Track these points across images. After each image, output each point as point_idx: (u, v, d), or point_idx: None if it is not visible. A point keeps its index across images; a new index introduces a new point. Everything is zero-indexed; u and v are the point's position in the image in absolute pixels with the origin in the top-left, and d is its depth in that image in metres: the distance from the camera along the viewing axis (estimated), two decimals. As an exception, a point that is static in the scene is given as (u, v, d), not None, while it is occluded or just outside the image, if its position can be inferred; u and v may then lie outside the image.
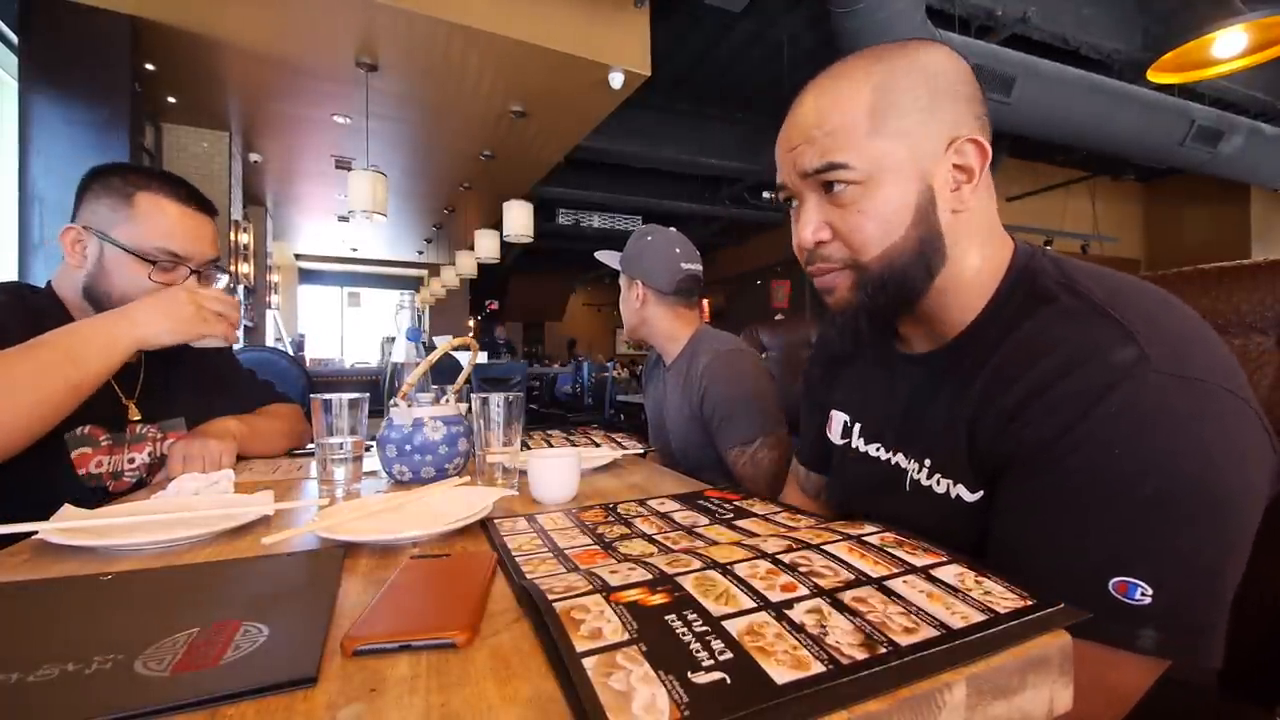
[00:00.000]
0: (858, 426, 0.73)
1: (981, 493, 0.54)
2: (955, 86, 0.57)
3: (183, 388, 1.10)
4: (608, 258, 1.45)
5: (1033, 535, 0.50)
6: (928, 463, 0.60)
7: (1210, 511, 0.45)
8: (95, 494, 0.92)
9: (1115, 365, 0.47)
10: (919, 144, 0.56)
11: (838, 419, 0.77)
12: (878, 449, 0.69)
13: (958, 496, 0.56)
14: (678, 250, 1.37)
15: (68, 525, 0.62)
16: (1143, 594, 0.45)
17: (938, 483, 0.58)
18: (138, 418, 1.01)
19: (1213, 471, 0.45)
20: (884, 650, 0.33)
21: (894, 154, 0.55)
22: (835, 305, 0.63)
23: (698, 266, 1.39)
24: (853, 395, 0.76)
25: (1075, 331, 0.50)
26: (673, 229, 1.43)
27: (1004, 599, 0.39)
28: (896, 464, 0.65)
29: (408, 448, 0.88)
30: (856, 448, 0.73)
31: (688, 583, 0.41)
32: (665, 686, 0.30)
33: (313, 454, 0.87)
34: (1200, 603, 0.46)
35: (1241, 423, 0.47)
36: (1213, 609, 0.46)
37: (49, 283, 1.00)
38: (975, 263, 0.59)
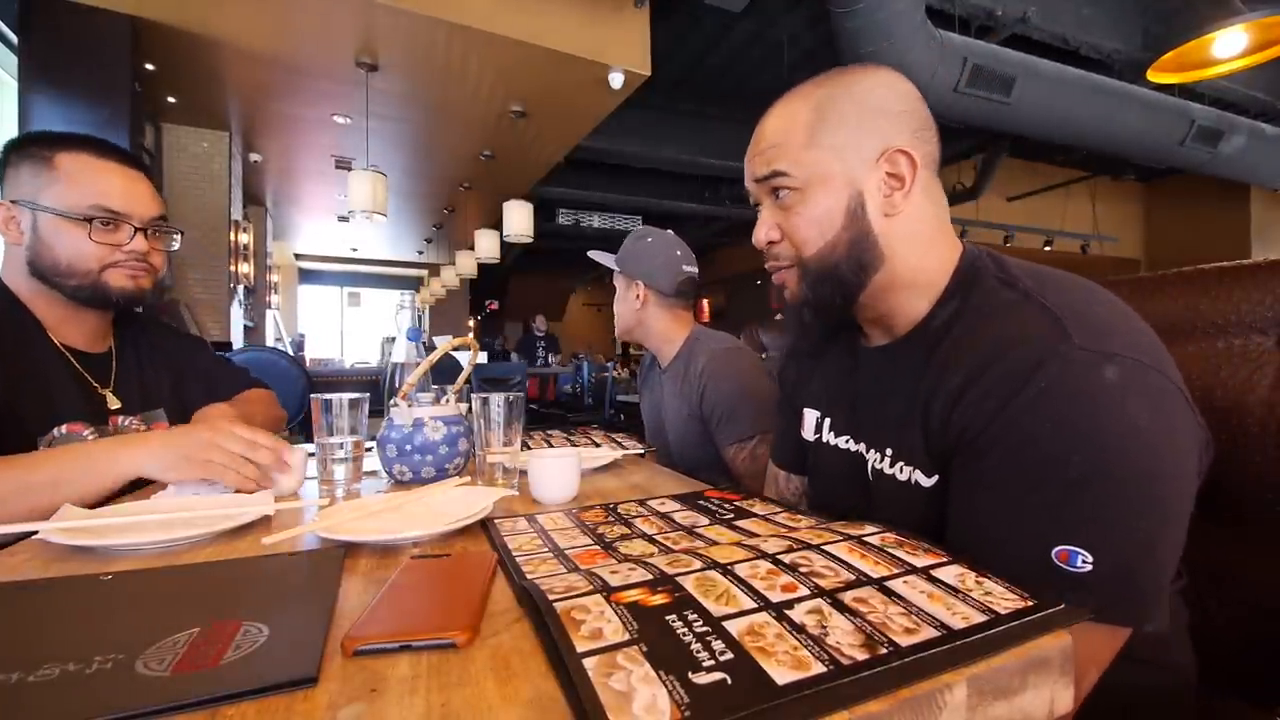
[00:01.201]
0: (827, 421, 0.76)
1: (937, 477, 0.58)
2: (887, 105, 0.63)
3: (158, 375, 1.08)
4: (602, 257, 1.45)
5: (980, 512, 0.53)
6: (889, 451, 0.64)
7: (1140, 479, 0.48)
8: None
9: (1041, 346, 0.50)
10: (849, 155, 0.62)
11: (810, 416, 0.80)
12: (846, 440, 0.72)
13: (916, 483, 0.60)
14: (678, 252, 1.38)
15: (68, 525, 0.62)
16: (1083, 561, 0.47)
17: (900, 470, 0.62)
18: (117, 406, 0.98)
19: (1138, 440, 0.48)
20: (885, 651, 0.33)
21: (825, 164, 0.63)
22: (789, 299, 0.70)
23: (695, 269, 1.41)
24: (822, 391, 0.79)
25: (1007, 319, 0.55)
26: (669, 231, 1.44)
27: (1004, 599, 0.39)
28: (863, 455, 0.69)
29: (408, 448, 0.88)
30: (828, 441, 0.76)
31: (688, 583, 0.41)
32: (666, 687, 0.30)
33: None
34: (1139, 567, 0.48)
35: (1164, 396, 0.49)
36: (1153, 574, 0.49)
37: None
38: (918, 263, 0.63)
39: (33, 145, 0.93)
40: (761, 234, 0.69)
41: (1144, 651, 0.59)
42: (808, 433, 0.80)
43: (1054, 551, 0.48)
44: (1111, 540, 0.47)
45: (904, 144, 0.62)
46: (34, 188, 0.91)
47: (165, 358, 1.11)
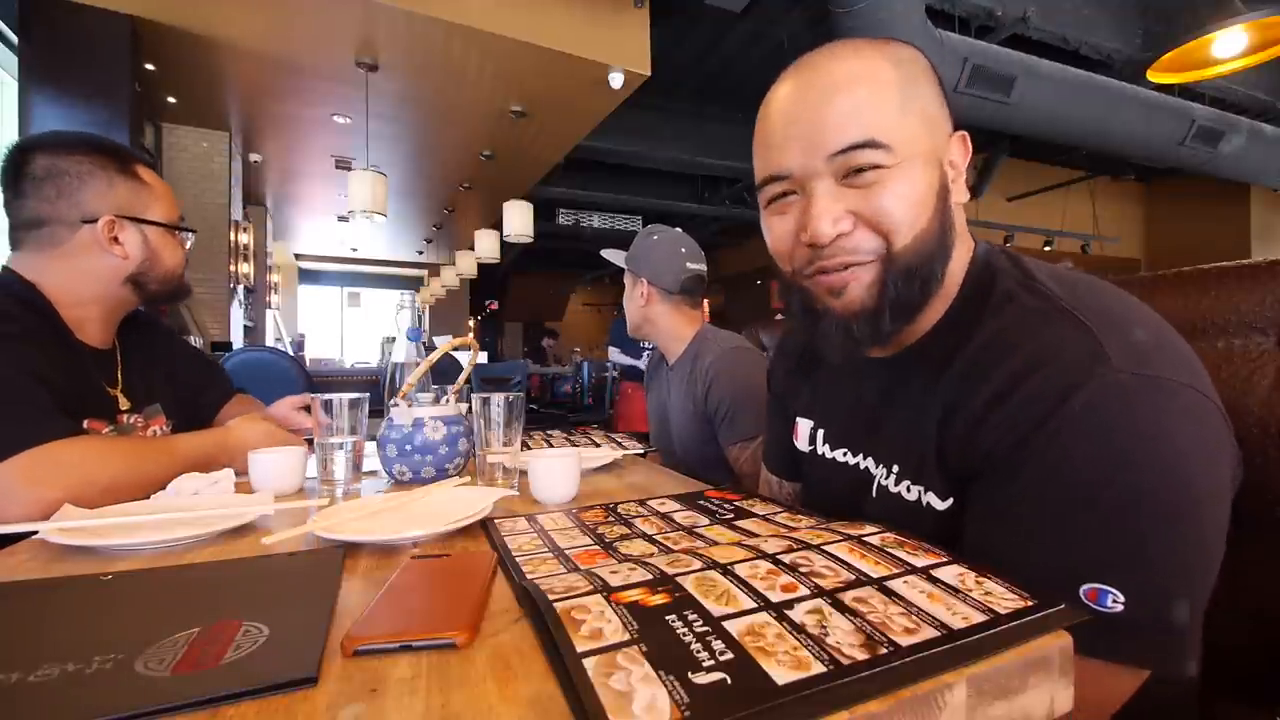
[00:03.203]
0: (821, 432, 0.72)
1: (952, 500, 0.53)
2: (936, 80, 0.57)
3: (155, 371, 1.09)
4: (614, 255, 1.46)
5: (1003, 543, 0.48)
6: (896, 469, 0.59)
7: (1181, 511, 0.44)
8: None
9: (1076, 366, 0.46)
10: (937, 128, 0.55)
11: (804, 426, 0.75)
12: (845, 454, 0.68)
13: (928, 504, 0.55)
14: (683, 250, 1.38)
15: (68, 525, 0.62)
16: (1114, 600, 0.43)
17: (907, 490, 0.57)
18: (127, 407, 0.99)
19: (1181, 470, 0.44)
20: (884, 651, 0.33)
21: (921, 136, 0.54)
22: (845, 308, 0.57)
23: (702, 266, 1.41)
24: (817, 401, 0.74)
25: (1036, 332, 0.49)
26: (678, 229, 1.45)
27: (1004, 599, 0.39)
28: (865, 469, 0.64)
29: (408, 448, 0.88)
30: (823, 454, 0.71)
31: (688, 583, 0.41)
32: (666, 687, 0.30)
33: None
34: (1174, 607, 0.44)
35: (1205, 419, 0.46)
36: (1187, 616, 0.45)
37: (7, 269, 0.93)
38: (952, 259, 0.57)
39: (109, 158, 0.95)
40: (826, 225, 0.54)
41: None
42: (801, 443, 0.76)
43: (1083, 589, 0.44)
44: (1146, 578, 0.44)
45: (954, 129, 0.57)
46: (139, 203, 0.97)
47: (160, 354, 1.13)
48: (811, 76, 0.56)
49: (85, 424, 0.90)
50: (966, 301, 0.57)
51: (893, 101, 0.53)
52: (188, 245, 1.06)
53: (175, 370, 1.14)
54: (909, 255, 0.54)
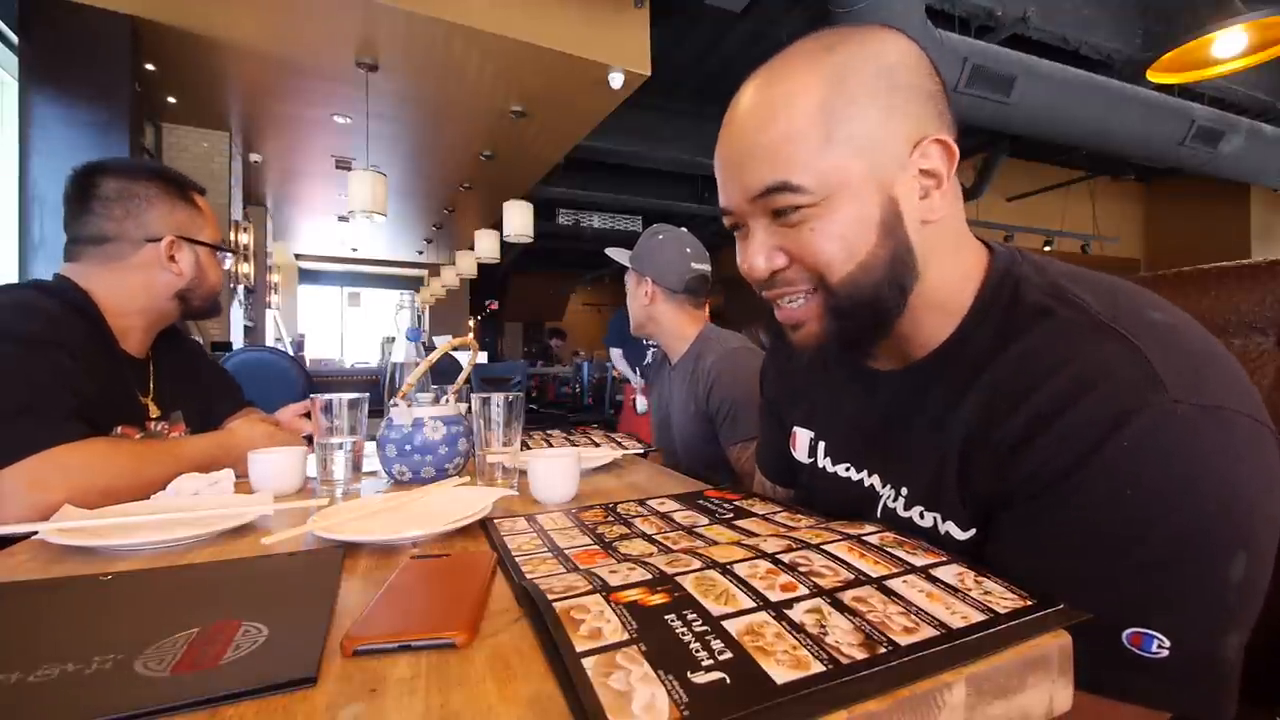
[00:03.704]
0: (822, 445, 0.69)
1: (974, 530, 0.50)
2: (917, 80, 0.51)
3: (183, 382, 1.13)
4: (618, 254, 1.46)
5: (1038, 580, 0.43)
6: (905, 491, 0.56)
7: (1233, 555, 0.41)
8: None
9: (1128, 392, 0.42)
10: (879, 150, 0.50)
11: (803, 436, 0.72)
12: (847, 469, 0.65)
13: (947, 534, 0.51)
14: (688, 250, 1.39)
15: (68, 525, 0.62)
16: (1159, 647, 0.41)
17: (920, 515, 0.54)
18: (156, 414, 1.04)
19: (1237, 510, 0.41)
20: (884, 650, 0.33)
21: (850, 167, 0.49)
22: (802, 341, 0.57)
23: (707, 267, 1.42)
24: (817, 411, 0.71)
25: (1079, 351, 0.45)
26: (683, 229, 1.45)
27: (1004, 599, 0.39)
28: (871, 486, 0.61)
29: (408, 448, 0.88)
30: (824, 468, 0.68)
31: (687, 583, 0.41)
32: (665, 686, 0.30)
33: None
34: (1220, 654, 0.42)
35: (1263, 449, 0.43)
36: (1233, 661, 0.42)
37: (63, 277, 0.97)
38: (947, 274, 0.54)
39: (172, 185, 1.04)
40: (760, 263, 0.54)
41: None
42: (800, 454, 0.73)
43: (1126, 634, 0.41)
44: (1194, 624, 0.41)
45: (938, 131, 0.51)
46: (194, 226, 1.06)
47: (186, 364, 1.17)
48: (735, 111, 0.55)
49: (119, 429, 0.93)
50: (986, 313, 0.53)
51: (813, 136, 0.49)
52: (226, 265, 1.14)
53: (198, 380, 1.19)
54: (849, 288, 0.52)
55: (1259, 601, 0.43)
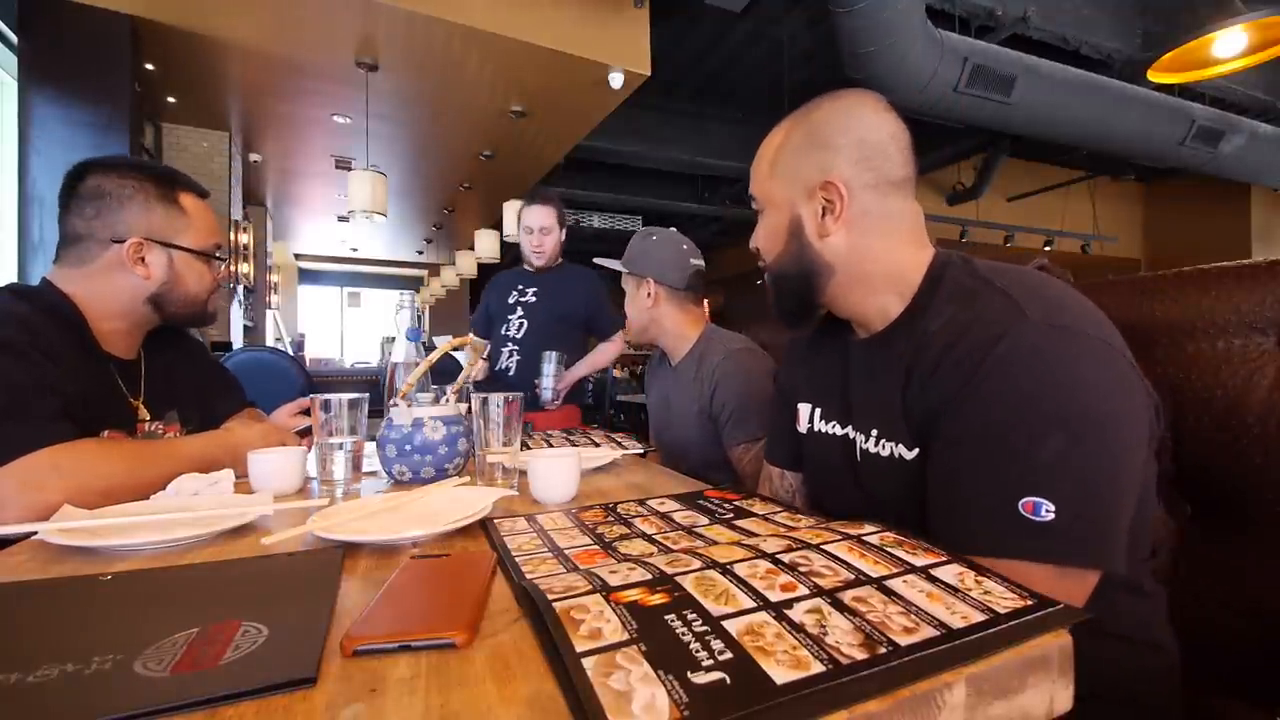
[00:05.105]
0: (818, 411, 0.82)
1: (918, 450, 0.63)
2: (831, 138, 0.70)
3: (177, 382, 1.11)
4: (608, 264, 1.46)
5: (952, 472, 0.58)
6: (874, 432, 0.69)
7: (1095, 427, 0.52)
8: None
9: (1000, 321, 0.56)
10: (793, 184, 0.72)
11: (804, 410, 0.84)
12: (834, 426, 0.78)
13: (899, 456, 0.65)
14: (685, 246, 1.40)
15: (67, 525, 0.62)
16: (1047, 510, 0.51)
17: (883, 448, 0.67)
18: (147, 417, 1.01)
19: (1087, 396, 0.53)
20: (884, 650, 0.33)
21: (776, 190, 0.74)
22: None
23: (702, 263, 1.43)
24: (814, 384, 0.84)
25: (973, 304, 0.61)
26: (673, 228, 1.45)
27: (1004, 599, 0.39)
28: (851, 438, 0.74)
29: (408, 448, 0.88)
30: (819, 430, 0.80)
31: (687, 583, 0.41)
32: (665, 686, 0.30)
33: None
34: (1098, 512, 0.53)
35: (1111, 359, 0.55)
36: (1111, 518, 0.53)
37: (45, 280, 0.96)
38: (873, 269, 0.70)
39: (153, 183, 0.99)
40: (752, 240, 0.82)
41: (1127, 628, 0.63)
42: (801, 425, 0.84)
43: (1020, 503, 0.52)
44: (1072, 488, 0.51)
45: (839, 175, 0.68)
46: (172, 229, 1.00)
47: (185, 364, 1.15)
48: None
49: (105, 434, 0.91)
50: (924, 294, 0.68)
51: (764, 169, 0.75)
52: (217, 272, 1.08)
53: (198, 379, 1.17)
54: (774, 273, 0.77)
55: (1128, 484, 0.54)
